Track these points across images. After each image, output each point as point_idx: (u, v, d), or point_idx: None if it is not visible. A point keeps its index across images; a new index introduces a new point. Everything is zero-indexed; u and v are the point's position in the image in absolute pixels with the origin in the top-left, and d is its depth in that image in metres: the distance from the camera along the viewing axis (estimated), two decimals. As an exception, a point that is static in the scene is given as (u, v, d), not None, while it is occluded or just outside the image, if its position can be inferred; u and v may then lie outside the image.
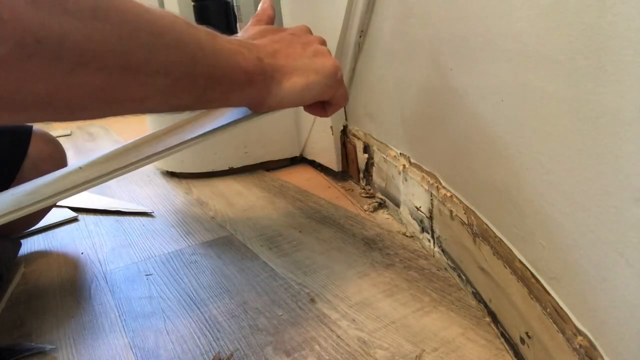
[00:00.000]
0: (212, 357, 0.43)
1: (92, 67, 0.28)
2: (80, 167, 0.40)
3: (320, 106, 0.50)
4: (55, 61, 0.26)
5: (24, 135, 0.65)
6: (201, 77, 0.36)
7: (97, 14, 0.28)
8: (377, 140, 0.72)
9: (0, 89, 0.25)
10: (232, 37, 0.42)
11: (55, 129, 1.61)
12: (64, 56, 0.26)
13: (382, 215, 0.71)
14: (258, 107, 0.44)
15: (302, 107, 0.51)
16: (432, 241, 0.57)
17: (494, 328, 0.43)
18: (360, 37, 0.71)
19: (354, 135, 0.80)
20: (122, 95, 0.31)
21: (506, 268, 0.39)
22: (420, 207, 0.59)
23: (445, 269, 0.54)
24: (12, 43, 0.24)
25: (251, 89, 0.41)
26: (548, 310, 0.33)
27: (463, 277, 0.49)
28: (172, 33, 0.33)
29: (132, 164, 0.41)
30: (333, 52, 0.76)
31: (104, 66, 0.29)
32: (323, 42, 0.49)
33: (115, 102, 0.32)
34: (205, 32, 0.37)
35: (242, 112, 0.47)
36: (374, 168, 0.75)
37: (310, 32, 0.50)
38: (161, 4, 1.26)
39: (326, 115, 0.51)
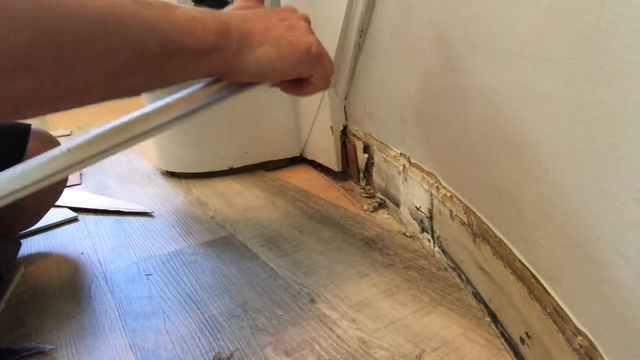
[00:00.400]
0: (212, 357, 0.43)
1: (19, 72, 0.27)
2: (68, 150, 0.39)
3: (297, 84, 0.48)
4: None
5: (22, 134, 0.65)
6: (152, 57, 0.35)
7: (19, 15, 0.27)
8: (377, 140, 0.72)
9: None
10: (198, 7, 0.40)
11: (56, 129, 1.61)
12: None
13: (382, 215, 0.71)
14: (231, 75, 0.42)
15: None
16: (432, 241, 0.57)
17: (494, 328, 0.43)
18: (360, 37, 0.71)
19: (354, 135, 0.80)
20: (60, 93, 0.31)
21: (506, 268, 0.39)
22: (420, 207, 0.59)
23: (445, 269, 0.54)
24: None
25: (216, 55, 0.39)
26: (548, 310, 0.33)
27: (463, 277, 0.49)
28: (111, 18, 0.32)
29: (120, 143, 0.41)
30: (333, 52, 0.76)
31: (33, 68, 0.28)
32: (305, 19, 0.46)
33: (54, 100, 0.31)
34: (161, 7, 0.36)
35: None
36: (374, 168, 0.75)
37: (295, 11, 0.48)
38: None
39: (302, 94, 0.49)
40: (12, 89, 0.27)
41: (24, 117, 0.34)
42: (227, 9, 0.46)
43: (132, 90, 0.39)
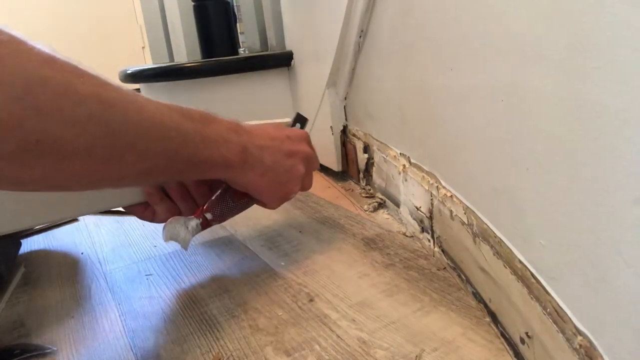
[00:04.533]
0: (212, 357, 0.43)
1: (78, 159, 0.32)
2: None
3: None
4: (49, 155, 0.30)
5: None
6: (180, 162, 0.41)
7: (90, 120, 0.32)
8: (377, 140, 0.72)
9: (3, 173, 0.30)
10: (231, 121, 0.48)
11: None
12: (57, 151, 0.31)
13: (382, 215, 0.71)
14: (231, 183, 0.50)
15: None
16: (432, 241, 0.57)
17: (494, 328, 0.43)
18: (360, 37, 0.71)
19: (354, 135, 0.80)
20: (101, 178, 0.36)
21: (506, 268, 0.39)
22: (420, 207, 0.59)
23: (445, 269, 0.54)
24: (14, 143, 0.28)
25: (228, 169, 0.46)
26: (548, 310, 0.33)
27: (463, 277, 0.49)
28: (159, 128, 0.38)
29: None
30: (333, 52, 0.76)
31: (88, 158, 0.33)
32: (308, 160, 0.55)
33: (94, 183, 0.36)
34: (198, 121, 0.42)
35: None
36: (374, 168, 0.75)
37: (307, 140, 0.57)
38: (162, 6, 1.26)
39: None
40: (66, 168, 0.32)
41: (65, 190, 0.41)
42: (258, 125, 0.54)
43: (152, 182, 0.47)
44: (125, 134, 0.35)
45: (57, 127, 0.30)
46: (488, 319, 0.44)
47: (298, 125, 0.62)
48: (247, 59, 0.98)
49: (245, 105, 0.96)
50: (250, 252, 0.62)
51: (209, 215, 0.53)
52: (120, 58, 2.63)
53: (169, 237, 0.52)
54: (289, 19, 0.95)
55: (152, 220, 0.54)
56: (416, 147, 0.60)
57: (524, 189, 0.36)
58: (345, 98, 0.82)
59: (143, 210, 0.54)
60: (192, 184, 0.54)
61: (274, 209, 0.56)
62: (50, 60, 0.30)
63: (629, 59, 0.24)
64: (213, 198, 0.54)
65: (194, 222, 0.52)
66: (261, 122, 0.57)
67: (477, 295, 0.46)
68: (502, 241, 0.40)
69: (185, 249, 0.53)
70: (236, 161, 0.46)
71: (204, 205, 0.54)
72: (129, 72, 1.00)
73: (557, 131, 0.30)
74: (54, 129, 0.30)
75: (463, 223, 0.47)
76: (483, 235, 0.43)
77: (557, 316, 0.32)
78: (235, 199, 0.54)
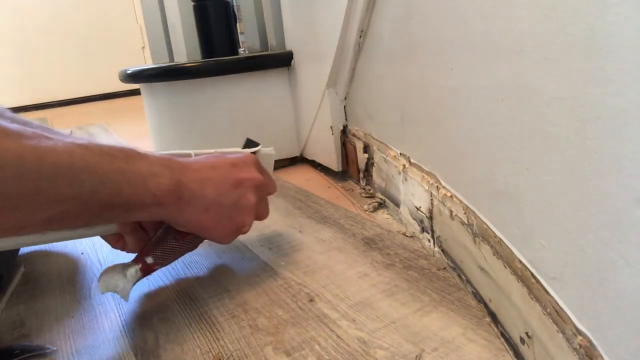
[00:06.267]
0: (212, 357, 0.43)
1: None
2: None
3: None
4: None
5: None
6: (98, 205, 0.38)
7: None
8: (377, 140, 0.72)
9: None
10: (162, 157, 0.44)
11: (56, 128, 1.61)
12: None
13: (382, 215, 0.71)
14: (171, 223, 0.47)
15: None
16: (432, 241, 0.57)
17: (494, 328, 0.43)
18: (360, 37, 0.71)
19: (354, 135, 0.80)
20: None
21: (506, 268, 0.39)
22: (420, 207, 0.59)
23: (445, 269, 0.54)
24: None
25: (160, 208, 0.43)
26: (548, 310, 0.33)
27: (463, 277, 0.49)
28: (66, 172, 0.35)
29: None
30: (333, 52, 0.76)
31: None
32: (256, 191, 0.51)
33: None
34: (121, 159, 0.39)
35: None
36: (374, 168, 0.75)
37: (255, 165, 0.52)
38: (161, 6, 1.26)
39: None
40: None
41: None
42: (201, 158, 0.49)
43: (70, 227, 0.42)
44: (20, 181, 0.32)
45: None
46: (488, 319, 0.44)
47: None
48: (247, 59, 0.98)
49: (245, 106, 0.96)
50: (250, 252, 0.62)
51: (149, 260, 0.49)
52: (120, 58, 2.62)
53: (104, 288, 0.47)
54: (289, 19, 0.95)
55: (123, 250, 0.52)
56: (416, 147, 0.60)
57: (524, 189, 0.36)
58: (345, 98, 0.82)
59: (116, 241, 0.52)
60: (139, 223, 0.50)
61: (226, 244, 0.52)
62: None
63: (630, 59, 0.24)
64: (152, 240, 0.50)
65: (132, 269, 0.48)
66: (211, 151, 0.53)
67: (477, 295, 0.46)
68: (502, 241, 0.40)
69: (126, 300, 0.48)
70: (168, 197, 0.42)
71: (142, 249, 0.50)
72: (129, 72, 1.00)
73: (557, 131, 0.30)
74: None
75: (463, 223, 0.47)
76: (483, 235, 0.43)
77: (557, 316, 0.32)
78: (179, 238, 0.50)
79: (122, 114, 2.17)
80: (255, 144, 0.59)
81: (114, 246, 0.53)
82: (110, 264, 0.50)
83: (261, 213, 0.54)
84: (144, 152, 0.42)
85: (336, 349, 0.42)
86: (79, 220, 0.38)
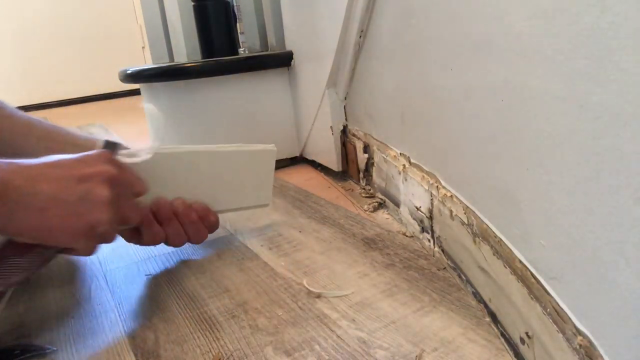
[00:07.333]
0: (212, 357, 0.43)
1: None
2: None
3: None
4: None
5: None
6: None
7: None
8: (377, 140, 0.72)
9: None
10: None
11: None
12: None
13: (382, 215, 0.71)
14: (5, 234, 0.40)
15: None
16: (432, 241, 0.57)
17: (494, 328, 0.43)
18: (360, 37, 0.71)
19: (354, 135, 0.80)
20: None
21: (506, 268, 0.39)
22: (420, 207, 0.59)
23: (445, 269, 0.54)
24: None
25: None
26: (548, 310, 0.33)
27: (463, 277, 0.49)
28: None
29: None
30: (333, 52, 0.76)
31: None
32: (109, 184, 0.44)
33: None
34: None
35: None
36: (374, 168, 0.75)
37: (108, 161, 0.46)
38: (161, 6, 1.26)
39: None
40: None
41: None
42: (45, 157, 0.43)
43: None
44: None
45: None
46: (488, 319, 0.44)
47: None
48: (247, 59, 0.98)
49: (245, 106, 0.96)
50: (250, 252, 0.62)
51: None
52: (120, 58, 2.63)
53: None
54: (289, 19, 0.95)
55: (137, 243, 0.54)
56: (416, 147, 0.60)
57: (524, 189, 0.36)
58: (345, 98, 0.82)
59: (132, 234, 0.53)
60: None
61: (88, 254, 0.45)
62: None
63: (630, 59, 0.24)
64: None
65: None
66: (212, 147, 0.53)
67: (477, 295, 0.46)
68: (502, 241, 0.40)
69: None
70: None
71: None
72: (129, 72, 1.00)
73: (557, 131, 0.30)
74: None
75: (463, 223, 0.47)
76: (483, 235, 0.43)
77: (557, 316, 0.32)
78: (24, 252, 0.42)
79: (122, 114, 2.17)
80: (114, 145, 0.52)
81: (128, 239, 0.54)
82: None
83: (128, 214, 0.48)
84: None
85: (336, 349, 0.42)
86: None
